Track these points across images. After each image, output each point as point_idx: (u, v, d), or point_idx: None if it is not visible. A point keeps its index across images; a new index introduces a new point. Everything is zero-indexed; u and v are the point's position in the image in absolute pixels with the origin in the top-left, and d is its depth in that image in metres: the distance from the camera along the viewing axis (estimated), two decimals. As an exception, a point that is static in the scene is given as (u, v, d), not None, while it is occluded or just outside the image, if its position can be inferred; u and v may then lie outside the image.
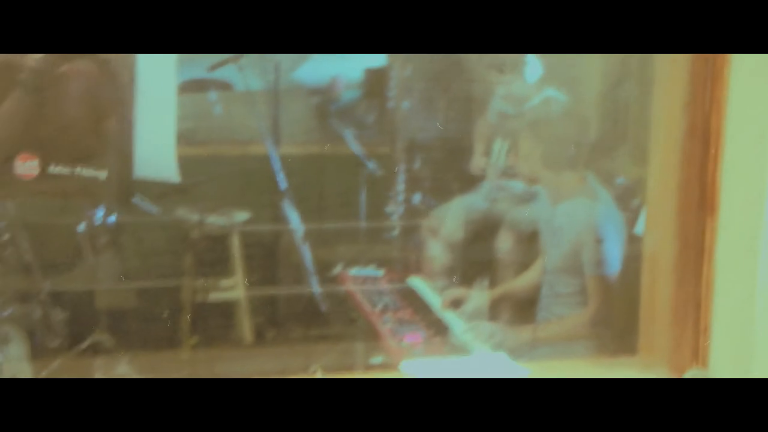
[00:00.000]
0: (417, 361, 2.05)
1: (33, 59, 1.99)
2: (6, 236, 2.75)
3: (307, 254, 3.06)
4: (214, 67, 3.67)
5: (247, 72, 3.85)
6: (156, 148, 1.93)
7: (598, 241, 2.67)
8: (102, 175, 1.91)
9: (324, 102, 5.14)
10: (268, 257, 4.03)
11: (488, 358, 2.41)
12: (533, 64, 3.57)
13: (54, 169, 1.90)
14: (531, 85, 3.63)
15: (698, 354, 1.70)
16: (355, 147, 4.04)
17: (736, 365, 1.63)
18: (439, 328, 2.79)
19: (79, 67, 2.01)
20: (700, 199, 1.68)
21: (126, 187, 1.96)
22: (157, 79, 1.92)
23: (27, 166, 1.91)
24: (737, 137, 1.62)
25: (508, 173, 3.54)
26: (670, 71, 1.74)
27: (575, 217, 2.74)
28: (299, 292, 3.49)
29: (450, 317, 2.87)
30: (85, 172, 1.90)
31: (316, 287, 3.08)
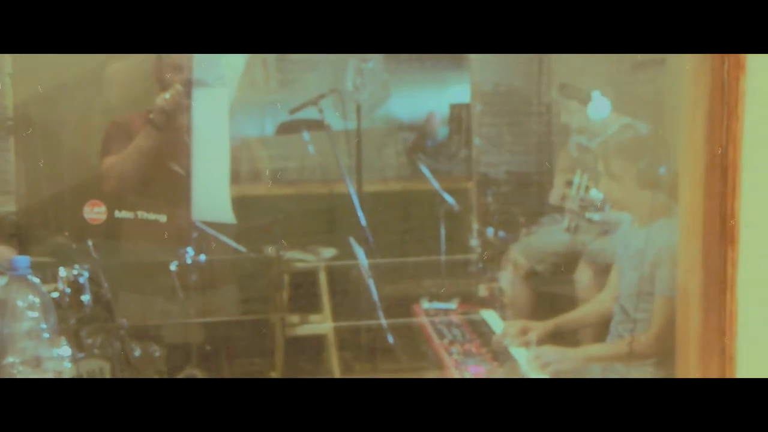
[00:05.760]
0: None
1: (162, 99, 2.19)
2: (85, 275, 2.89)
3: (373, 289, 3.17)
4: (293, 111, 3.83)
5: (327, 113, 3.99)
6: (212, 193, 2.07)
7: (675, 263, 2.67)
8: (162, 218, 2.07)
9: (419, 138, 5.24)
10: (351, 291, 4.15)
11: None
12: (599, 102, 3.55)
13: (119, 214, 2.07)
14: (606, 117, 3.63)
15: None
16: (435, 183, 4.12)
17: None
18: (504, 360, 2.84)
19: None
20: (721, 231, 1.71)
21: (186, 229, 2.12)
22: (211, 127, 2.07)
23: (95, 212, 2.09)
24: (755, 170, 1.65)
25: (588, 204, 3.55)
26: (692, 107, 1.78)
27: (658, 238, 2.75)
28: (374, 326, 3.59)
29: (515, 349, 2.91)
30: (146, 216, 2.07)
31: (384, 321, 3.18)
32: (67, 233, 2.24)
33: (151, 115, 2.20)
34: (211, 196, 2.07)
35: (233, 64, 2.14)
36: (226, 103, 2.11)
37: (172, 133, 2.19)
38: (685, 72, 1.78)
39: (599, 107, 3.46)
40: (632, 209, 2.90)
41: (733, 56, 1.66)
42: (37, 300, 1.69)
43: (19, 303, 1.66)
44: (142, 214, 2.07)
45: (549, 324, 3.02)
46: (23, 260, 1.68)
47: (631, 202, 2.87)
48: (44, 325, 1.69)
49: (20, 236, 2.23)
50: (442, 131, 5.18)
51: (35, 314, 1.69)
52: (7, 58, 2.20)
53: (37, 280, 1.71)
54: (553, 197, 3.95)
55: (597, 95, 3.39)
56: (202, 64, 2.10)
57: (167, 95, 2.21)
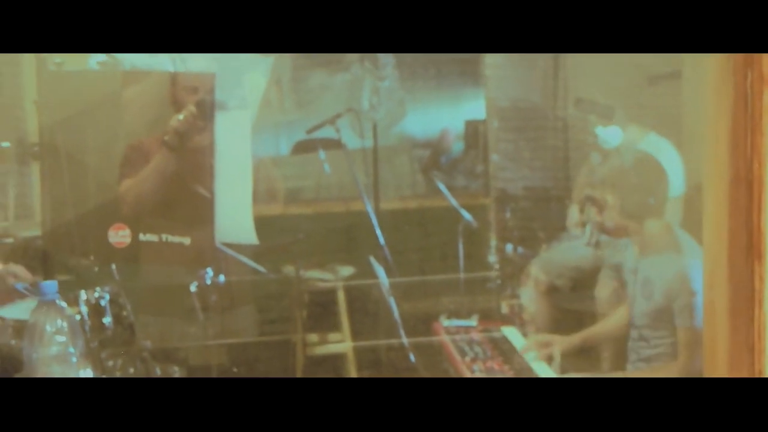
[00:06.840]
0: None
1: (176, 120, 2.22)
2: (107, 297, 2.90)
3: (394, 307, 3.16)
4: (311, 131, 3.84)
5: (344, 132, 4.00)
6: (235, 215, 2.08)
7: (692, 293, 2.65)
8: (186, 241, 2.08)
9: (433, 155, 5.24)
10: (370, 310, 4.14)
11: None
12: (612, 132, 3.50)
13: (144, 237, 2.08)
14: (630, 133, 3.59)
15: (755, 399, 1.70)
16: (452, 199, 4.11)
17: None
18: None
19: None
20: (747, 246, 1.70)
21: (208, 251, 2.12)
22: (234, 149, 2.08)
23: (120, 236, 2.10)
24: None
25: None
26: (714, 121, 1.78)
27: (668, 271, 2.71)
28: (394, 344, 3.59)
29: (539, 366, 2.90)
30: (171, 239, 2.08)
31: (405, 339, 3.18)
32: (92, 257, 2.26)
33: (165, 137, 2.23)
34: (235, 218, 2.08)
35: (255, 85, 2.16)
36: (248, 124, 2.13)
37: (187, 154, 2.21)
38: (706, 86, 1.78)
39: (610, 135, 3.44)
40: (629, 237, 2.87)
41: (756, 70, 1.66)
42: (65, 324, 1.70)
43: (48, 328, 1.67)
44: (166, 237, 2.08)
45: (575, 339, 3.00)
46: (51, 285, 1.69)
47: (623, 230, 2.83)
48: (72, 349, 1.70)
49: (46, 260, 2.24)
50: (456, 147, 5.19)
51: (63, 339, 1.69)
52: (32, 85, 2.22)
53: (64, 304, 1.72)
54: (569, 221, 3.92)
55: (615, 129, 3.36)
56: (224, 86, 2.12)
57: (181, 116, 2.23)
